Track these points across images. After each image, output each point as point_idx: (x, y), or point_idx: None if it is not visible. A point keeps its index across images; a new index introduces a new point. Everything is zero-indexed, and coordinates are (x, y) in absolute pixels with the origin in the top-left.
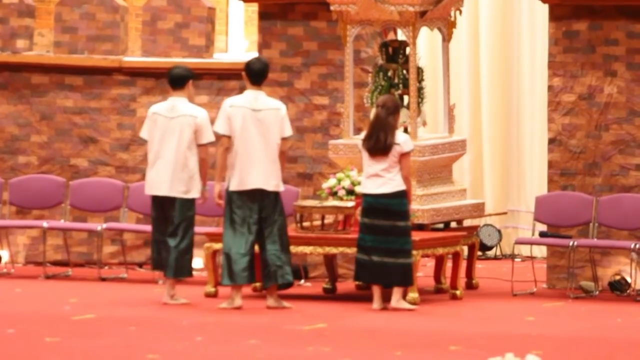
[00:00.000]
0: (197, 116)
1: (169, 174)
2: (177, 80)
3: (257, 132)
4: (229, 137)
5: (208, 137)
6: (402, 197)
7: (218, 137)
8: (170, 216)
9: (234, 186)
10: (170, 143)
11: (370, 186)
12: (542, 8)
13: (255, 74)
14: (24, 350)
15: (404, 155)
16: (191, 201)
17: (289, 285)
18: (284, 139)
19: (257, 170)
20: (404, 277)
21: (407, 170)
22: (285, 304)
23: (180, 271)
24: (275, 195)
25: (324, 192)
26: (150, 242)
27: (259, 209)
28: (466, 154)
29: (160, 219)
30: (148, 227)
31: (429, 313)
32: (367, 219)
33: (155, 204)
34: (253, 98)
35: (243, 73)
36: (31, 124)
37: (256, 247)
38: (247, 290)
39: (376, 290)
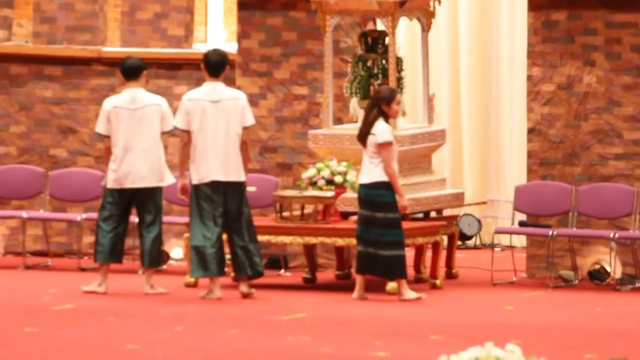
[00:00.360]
0: (161, 104)
1: (146, 165)
2: (133, 70)
3: (216, 123)
4: (188, 132)
5: (171, 123)
6: (379, 188)
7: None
8: (145, 207)
9: (196, 179)
10: (141, 134)
11: (359, 176)
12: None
13: (213, 65)
14: (3, 340)
15: (380, 146)
16: (162, 189)
17: (260, 275)
18: (245, 129)
19: (218, 162)
20: (387, 270)
21: (386, 162)
22: (253, 290)
23: (157, 261)
24: (239, 186)
25: (303, 182)
26: (97, 235)
27: (223, 201)
28: (445, 143)
29: (126, 212)
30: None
31: (409, 303)
32: (358, 208)
33: (122, 197)
34: (211, 90)
35: (201, 65)
36: (10, 115)
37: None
38: (226, 280)
39: (358, 279)
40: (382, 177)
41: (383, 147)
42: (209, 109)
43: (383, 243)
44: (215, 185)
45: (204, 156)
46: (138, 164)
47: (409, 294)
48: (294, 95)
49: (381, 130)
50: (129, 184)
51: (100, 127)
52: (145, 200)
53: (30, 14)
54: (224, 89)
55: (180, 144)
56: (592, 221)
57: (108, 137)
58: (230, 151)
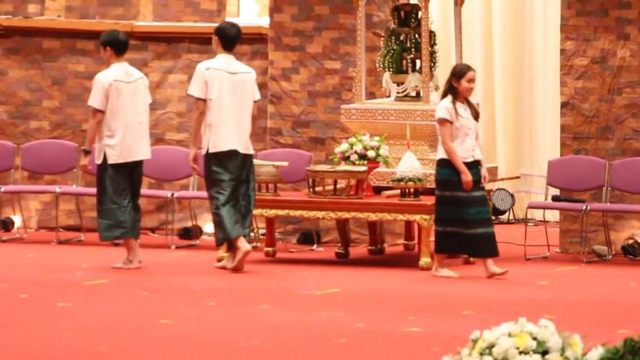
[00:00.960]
0: (145, 77)
1: (144, 138)
2: (126, 45)
3: (233, 95)
4: (204, 101)
5: (150, 97)
6: (438, 165)
7: (192, 100)
8: (140, 180)
9: (213, 148)
10: (137, 107)
11: None
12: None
13: (230, 38)
14: (36, 315)
15: (437, 122)
16: None
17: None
18: (254, 102)
19: (235, 132)
20: (439, 244)
21: (442, 138)
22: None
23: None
24: (251, 158)
25: (336, 157)
26: (111, 214)
27: (238, 171)
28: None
29: (126, 186)
30: (160, 192)
31: (442, 278)
32: None
33: (124, 171)
34: (227, 62)
35: (215, 37)
36: (43, 89)
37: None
38: (255, 255)
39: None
40: (441, 154)
41: (438, 123)
42: (227, 80)
43: (438, 219)
44: (231, 154)
45: (222, 125)
46: (138, 136)
47: (444, 271)
48: (326, 69)
49: (438, 106)
50: (131, 158)
51: (96, 102)
52: (140, 173)
53: None
54: (238, 63)
55: (195, 112)
56: (626, 196)
57: (102, 112)
58: (245, 123)
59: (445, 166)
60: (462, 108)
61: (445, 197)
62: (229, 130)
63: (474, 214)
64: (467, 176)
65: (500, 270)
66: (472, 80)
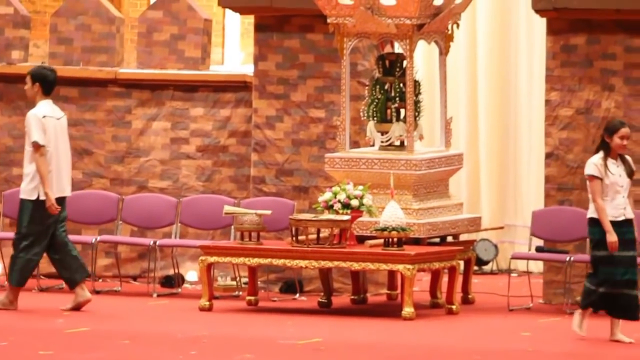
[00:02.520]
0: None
1: (69, 174)
2: (54, 85)
3: (62, 140)
4: (44, 147)
5: None
6: (589, 224)
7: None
8: (64, 216)
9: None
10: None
11: None
12: (539, 22)
13: (52, 83)
14: None
15: (587, 179)
16: None
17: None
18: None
19: (66, 176)
20: (587, 301)
21: (592, 195)
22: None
23: None
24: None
25: (319, 206)
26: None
27: (60, 213)
28: (463, 168)
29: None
30: (142, 240)
31: (425, 328)
32: None
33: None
34: (51, 107)
35: (35, 83)
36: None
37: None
38: (237, 304)
39: (583, 314)
40: (591, 212)
41: (587, 179)
42: (57, 126)
43: (589, 276)
44: (62, 200)
45: (57, 171)
46: (68, 173)
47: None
48: (310, 118)
49: (588, 162)
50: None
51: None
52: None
53: (47, 34)
54: (56, 107)
55: (40, 158)
56: None
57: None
58: (70, 166)
59: (596, 225)
60: (613, 165)
61: (600, 257)
62: (64, 177)
63: (622, 274)
64: (612, 236)
65: (627, 339)
66: (625, 137)
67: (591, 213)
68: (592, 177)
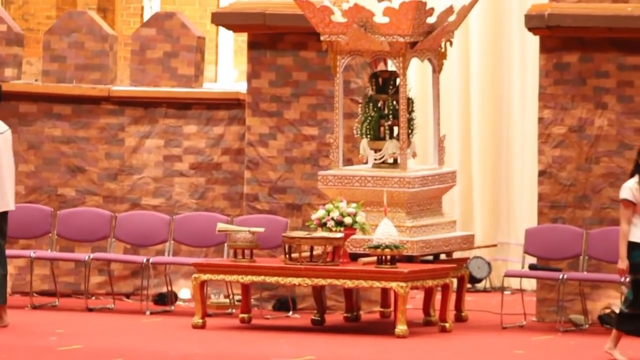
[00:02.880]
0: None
1: (13, 188)
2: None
3: (6, 154)
4: None
5: None
6: (629, 248)
7: None
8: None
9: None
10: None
11: None
12: (532, 40)
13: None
14: None
15: (621, 203)
16: None
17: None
18: None
19: (10, 190)
20: (624, 324)
21: (621, 219)
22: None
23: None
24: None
25: (312, 223)
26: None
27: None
28: (456, 185)
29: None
30: (136, 257)
31: (418, 345)
32: None
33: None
34: None
35: None
36: (18, 153)
37: None
38: (230, 322)
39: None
40: (635, 237)
41: (621, 204)
42: (0, 140)
43: (634, 304)
44: (5, 214)
45: (1, 186)
46: (10, 185)
47: (616, 353)
48: (303, 135)
49: (623, 186)
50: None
51: None
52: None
53: (40, 52)
54: (0, 121)
55: None
56: (603, 265)
57: None
58: (13, 181)
59: (638, 249)
60: None
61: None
62: (8, 191)
63: None
64: (622, 263)
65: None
66: None
67: (634, 237)
68: (627, 202)
